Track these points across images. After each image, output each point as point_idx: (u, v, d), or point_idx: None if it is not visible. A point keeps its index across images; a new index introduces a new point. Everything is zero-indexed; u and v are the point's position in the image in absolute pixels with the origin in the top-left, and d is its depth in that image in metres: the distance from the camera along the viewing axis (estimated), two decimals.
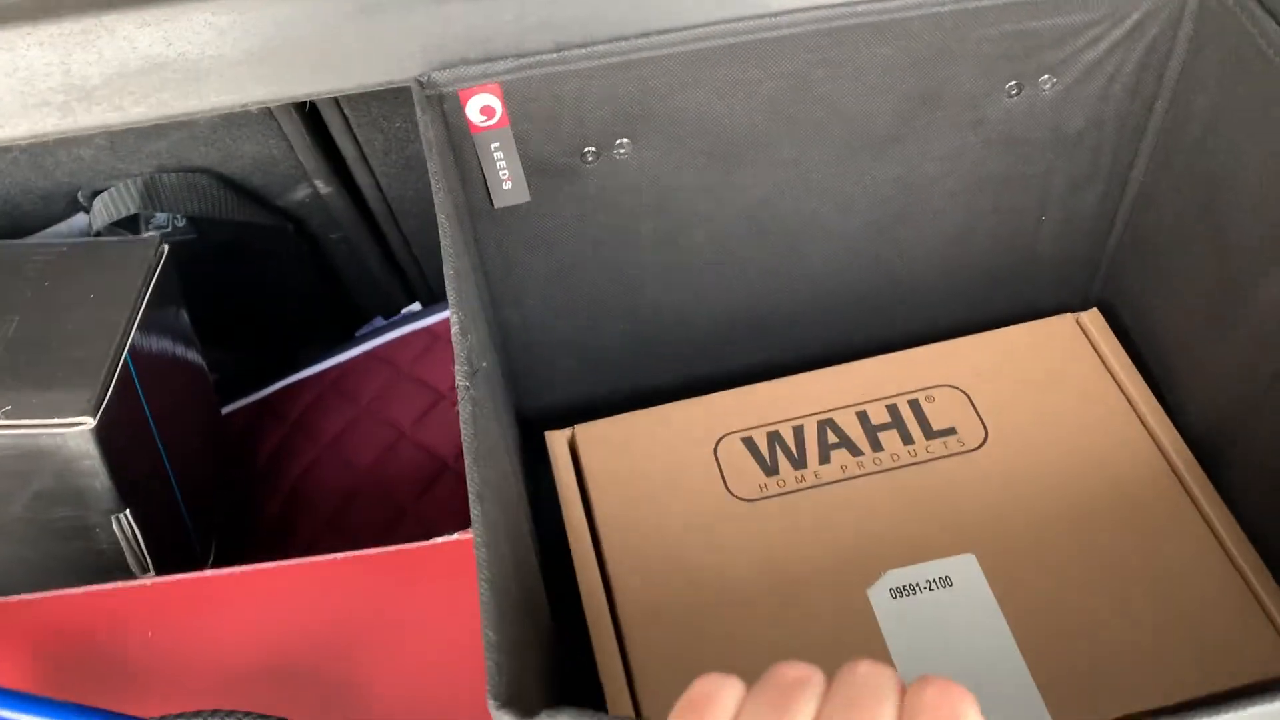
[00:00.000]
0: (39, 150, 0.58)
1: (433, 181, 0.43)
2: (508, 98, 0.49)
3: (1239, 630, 0.50)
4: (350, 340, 0.70)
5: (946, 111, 0.55)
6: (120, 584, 0.50)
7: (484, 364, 0.38)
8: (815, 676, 0.27)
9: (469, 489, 0.34)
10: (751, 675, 0.30)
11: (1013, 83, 0.55)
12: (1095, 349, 0.62)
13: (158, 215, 0.61)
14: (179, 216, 0.61)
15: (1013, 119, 0.57)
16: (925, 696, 0.26)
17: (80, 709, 0.44)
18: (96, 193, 0.60)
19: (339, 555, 0.51)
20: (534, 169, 0.52)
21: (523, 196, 0.53)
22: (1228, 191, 0.53)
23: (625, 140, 0.52)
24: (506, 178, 0.52)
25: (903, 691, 0.27)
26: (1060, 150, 0.59)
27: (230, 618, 0.50)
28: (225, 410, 0.68)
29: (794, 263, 0.60)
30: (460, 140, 0.50)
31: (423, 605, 0.50)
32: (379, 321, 0.72)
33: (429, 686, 0.48)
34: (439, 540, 0.50)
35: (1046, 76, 0.55)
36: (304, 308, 0.70)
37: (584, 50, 0.48)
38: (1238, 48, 0.50)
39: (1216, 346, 0.56)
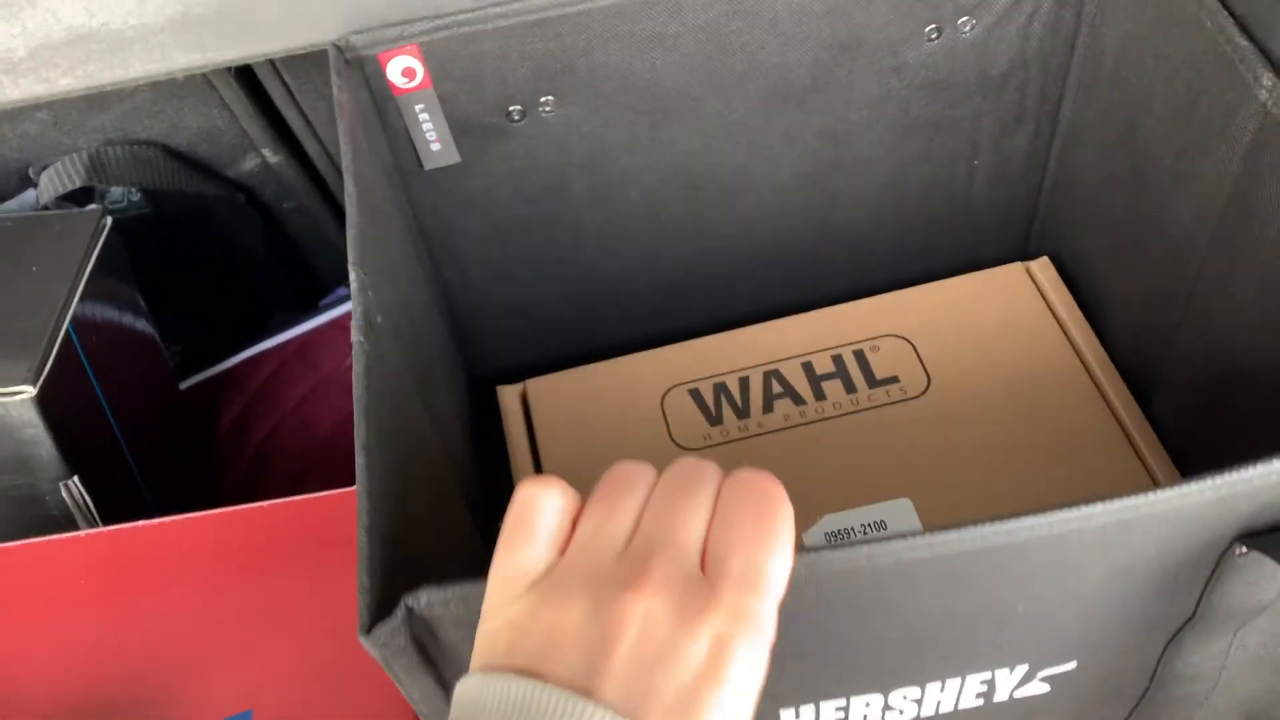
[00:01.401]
0: None
1: (341, 144, 0.44)
2: (428, 58, 0.50)
3: None
4: (313, 310, 0.71)
5: (867, 59, 0.56)
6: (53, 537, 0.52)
7: (379, 318, 0.39)
8: (646, 471, 0.32)
9: (355, 440, 0.35)
10: None
11: (932, 26, 0.56)
12: (1044, 297, 0.62)
13: (112, 190, 0.62)
14: (133, 190, 0.62)
15: (935, 63, 0.58)
16: (740, 476, 0.31)
17: None
18: (45, 168, 0.61)
19: (251, 505, 0.52)
20: (461, 129, 0.53)
21: (453, 157, 0.54)
22: (1141, 119, 0.54)
23: (550, 98, 0.54)
24: (434, 139, 0.53)
25: (722, 478, 0.31)
26: (987, 93, 0.60)
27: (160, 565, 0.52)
28: (187, 383, 0.69)
29: (728, 216, 0.62)
30: (385, 103, 0.51)
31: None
32: (341, 291, 0.73)
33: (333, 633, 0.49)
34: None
35: (965, 19, 0.56)
36: (264, 278, 0.71)
37: (500, 9, 0.49)
38: None
39: (1137, 274, 0.57)
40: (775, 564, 0.29)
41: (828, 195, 0.62)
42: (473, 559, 0.49)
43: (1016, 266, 0.63)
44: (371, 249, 0.41)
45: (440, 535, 0.43)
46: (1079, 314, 0.61)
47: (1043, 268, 0.63)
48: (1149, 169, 0.54)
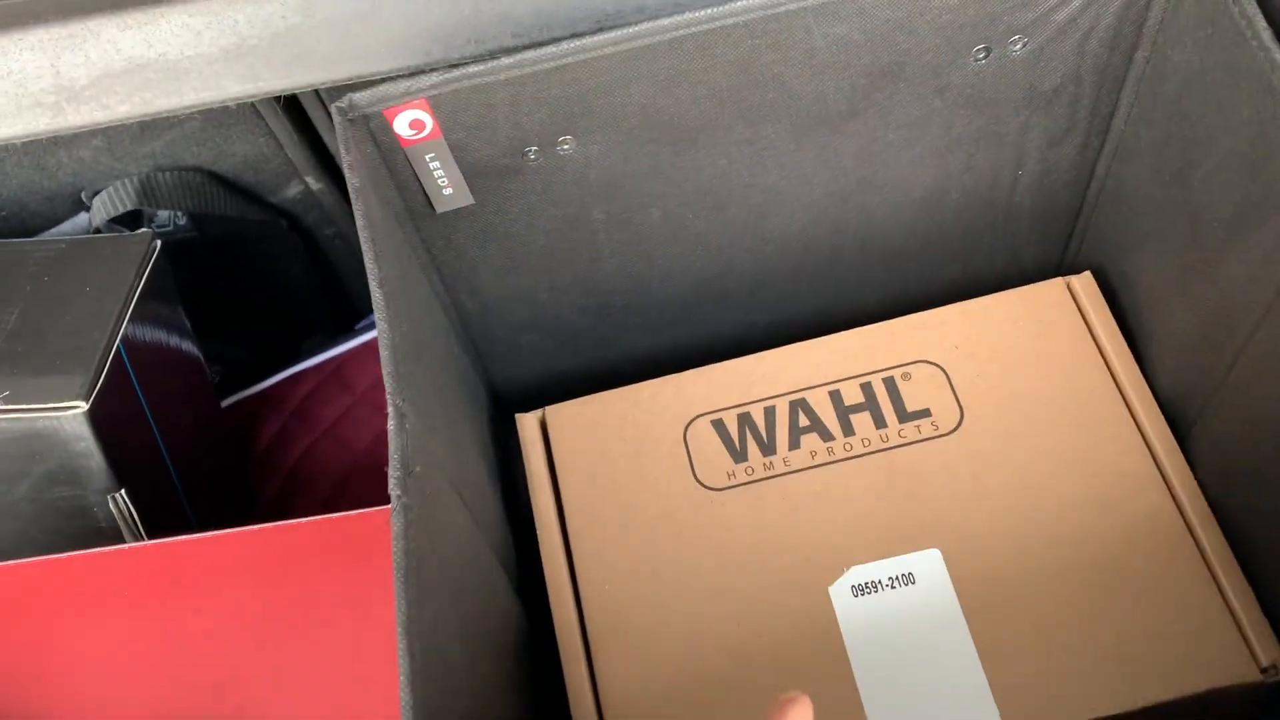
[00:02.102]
0: (41, 152, 0.61)
1: (359, 227, 0.42)
2: (437, 110, 0.47)
3: (1206, 636, 0.50)
4: (350, 333, 0.71)
5: (908, 83, 0.52)
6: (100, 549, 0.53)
7: (417, 467, 0.37)
8: None
9: (396, 613, 0.34)
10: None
11: (980, 47, 0.52)
12: (1084, 317, 0.59)
13: (160, 214, 0.63)
14: (180, 215, 0.63)
15: (982, 82, 0.54)
16: None
17: None
18: (97, 192, 0.63)
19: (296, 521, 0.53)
20: (474, 172, 0.50)
21: (465, 200, 0.51)
22: (1201, 160, 0.50)
23: (568, 137, 0.50)
24: (446, 185, 0.50)
25: None
26: (1035, 106, 0.56)
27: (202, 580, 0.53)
28: (228, 401, 0.70)
29: (755, 232, 0.59)
30: (392, 154, 0.48)
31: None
32: None
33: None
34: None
35: (1017, 38, 0.52)
36: (303, 303, 0.72)
37: (511, 60, 0.46)
38: (1213, 11, 0.47)
39: (1185, 315, 0.54)
40: None
41: (862, 211, 0.59)
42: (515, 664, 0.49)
43: (1058, 283, 0.60)
44: (407, 366, 0.39)
45: (489, 659, 0.42)
46: (1122, 341, 0.58)
47: (1085, 284, 0.60)
48: (1204, 215, 0.51)
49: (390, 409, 0.40)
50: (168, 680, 0.51)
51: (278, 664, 0.50)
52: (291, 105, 0.60)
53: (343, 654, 0.49)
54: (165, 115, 0.52)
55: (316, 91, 0.58)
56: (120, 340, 0.54)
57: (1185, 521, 0.53)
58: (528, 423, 0.59)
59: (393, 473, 0.38)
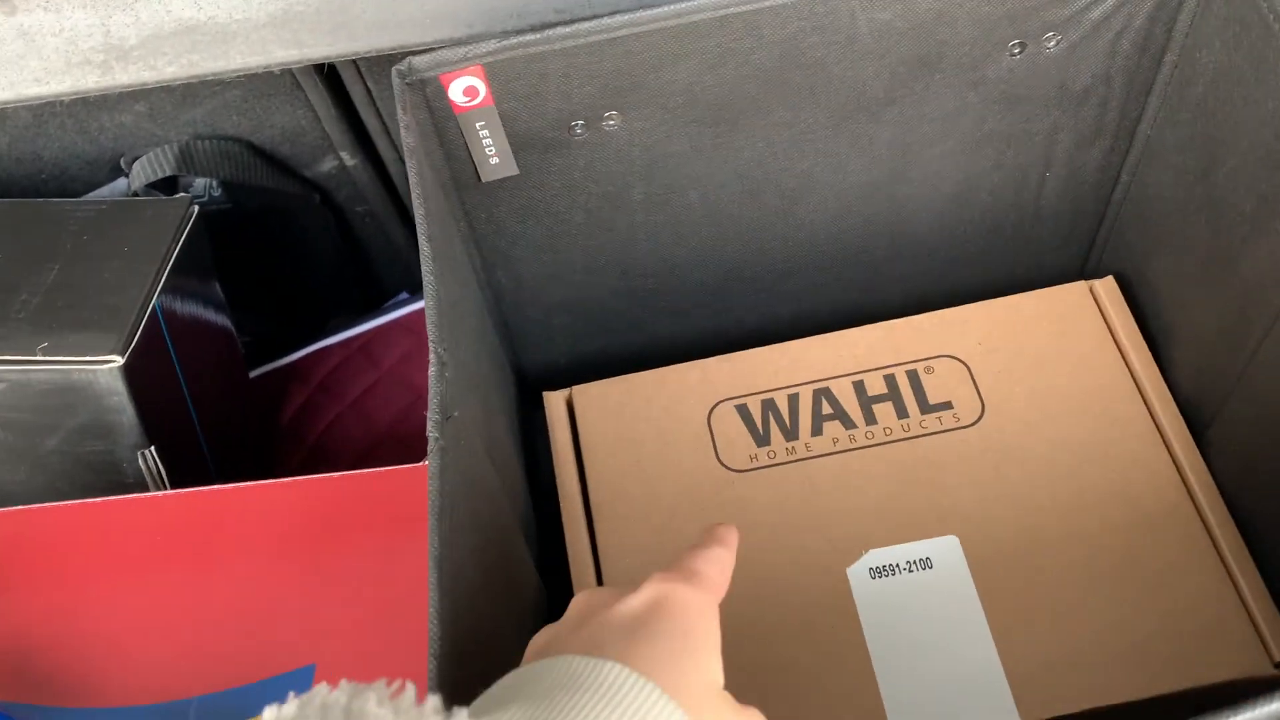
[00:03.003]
0: (84, 115, 0.61)
1: (412, 196, 0.43)
2: (491, 78, 0.48)
3: (1220, 630, 0.50)
4: (378, 310, 0.72)
5: (945, 74, 0.54)
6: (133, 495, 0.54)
7: (455, 412, 0.38)
8: None
9: (429, 550, 0.35)
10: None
11: (1015, 42, 0.53)
12: (1106, 320, 0.60)
13: (196, 182, 0.64)
14: (215, 185, 0.64)
15: (1015, 78, 0.55)
16: None
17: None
18: (136, 158, 0.64)
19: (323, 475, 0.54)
20: (520, 144, 0.51)
21: (510, 170, 0.52)
22: (1225, 157, 0.51)
23: (614, 113, 0.51)
24: (493, 154, 0.51)
25: None
26: (1066, 107, 0.57)
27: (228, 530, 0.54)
28: (255, 372, 0.71)
29: (787, 218, 0.60)
30: (444, 121, 0.49)
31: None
32: (404, 296, 0.73)
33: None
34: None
35: (1051, 34, 0.53)
36: (331, 279, 0.73)
37: (568, 29, 0.47)
38: (1242, 10, 0.48)
39: (1205, 314, 0.55)
40: None
41: (893, 202, 0.60)
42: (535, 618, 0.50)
43: (1080, 286, 0.61)
44: (449, 320, 0.40)
45: (510, 617, 0.43)
46: (1142, 343, 0.59)
47: (1107, 288, 0.61)
48: (1226, 210, 0.52)
49: (431, 356, 0.40)
50: (197, 625, 0.51)
51: (305, 609, 0.50)
52: (331, 78, 0.60)
53: (369, 604, 0.50)
54: (211, 78, 0.53)
55: (356, 66, 0.59)
56: (157, 299, 0.55)
57: (1201, 517, 0.54)
58: (555, 401, 0.60)
59: (431, 416, 0.38)
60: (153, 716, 0.48)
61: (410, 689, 0.29)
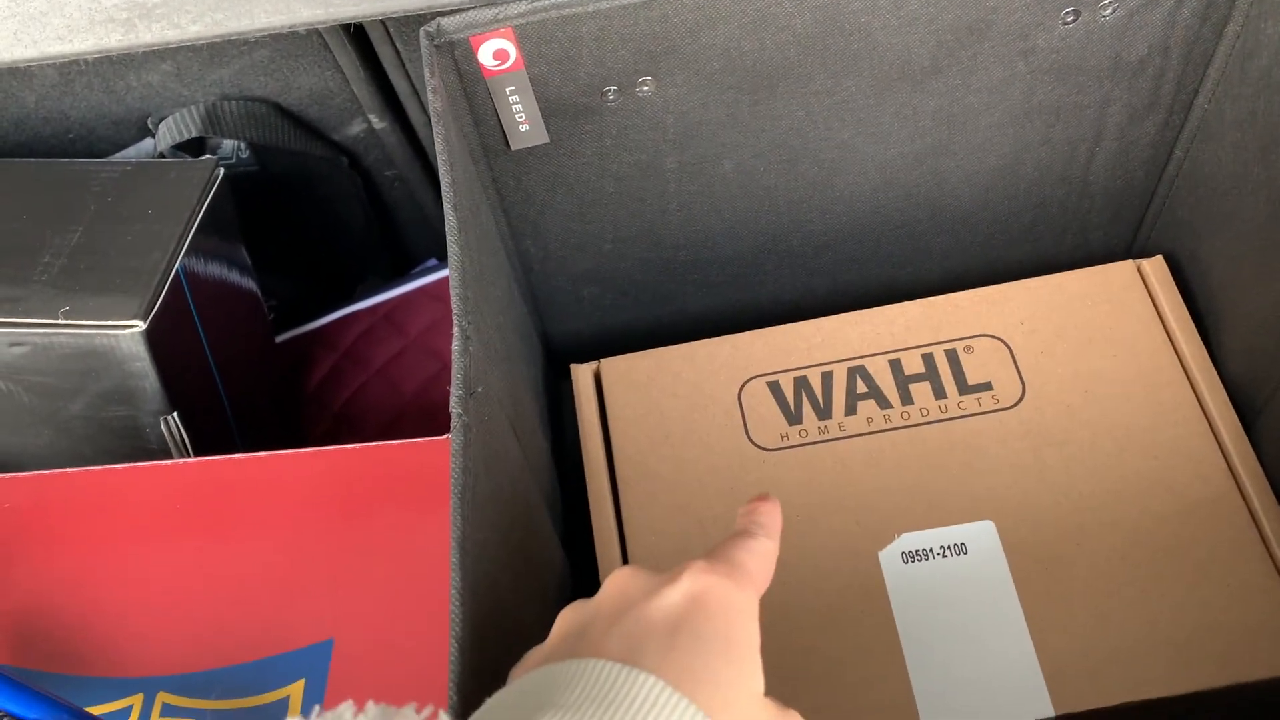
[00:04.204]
0: (111, 75, 0.60)
1: (439, 163, 0.41)
2: (522, 41, 0.46)
3: (1265, 625, 0.48)
4: (405, 277, 0.71)
5: (994, 42, 0.52)
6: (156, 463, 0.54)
7: (479, 389, 0.37)
8: None
9: (451, 529, 0.34)
10: None
11: (1069, 9, 0.51)
12: (1154, 301, 0.58)
13: (224, 144, 0.63)
14: (242, 147, 0.63)
15: (1068, 47, 0.53)
16: None
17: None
18: (163, 119, 0.63)
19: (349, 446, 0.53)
20: (552, 110, 0.50)
21: (541, 138, 0.51)
22: None
23: (648, 78, 0.50)
24: (523, 120, 0.49)
25: None
26: (1119, 79, 0.55)
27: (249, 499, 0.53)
28: (282, 338, 0.70)
29: (825, 190, 0.58)
30: (474, 85, 0.48)
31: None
32: (432, 263, 0.72)
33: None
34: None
35: (1107, 2, 0.51)
36: (359, 244, 0.71)
37: None
38: None
39: (1261, 295, 0.53)
40: None
41: (935, 176, 0.58)
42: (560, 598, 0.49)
43: (1128, 265, 0.59)
44: (474, 292, 0.39)
45: (533, 595, 0.42)
46: (1191, 326, 0.57)
47: (1156, 268, 0.59)
48: None
49: (455, 330, 0.39)
50: (216, 595, 0.51)
51: (325, 582, 0.50)
52: (359, 39, 0.59)
53: (390, 579, 0.49)
54: (235, 37, 0.51)
55: (385, 26, 0.57)
56: (180, 263, 0.54)
57: (1249, 508, 0.52)
58: (582, 373, 0.59)
59: (455, 391, 0.37)
60: (170, 687, 0.48)
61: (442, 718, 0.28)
